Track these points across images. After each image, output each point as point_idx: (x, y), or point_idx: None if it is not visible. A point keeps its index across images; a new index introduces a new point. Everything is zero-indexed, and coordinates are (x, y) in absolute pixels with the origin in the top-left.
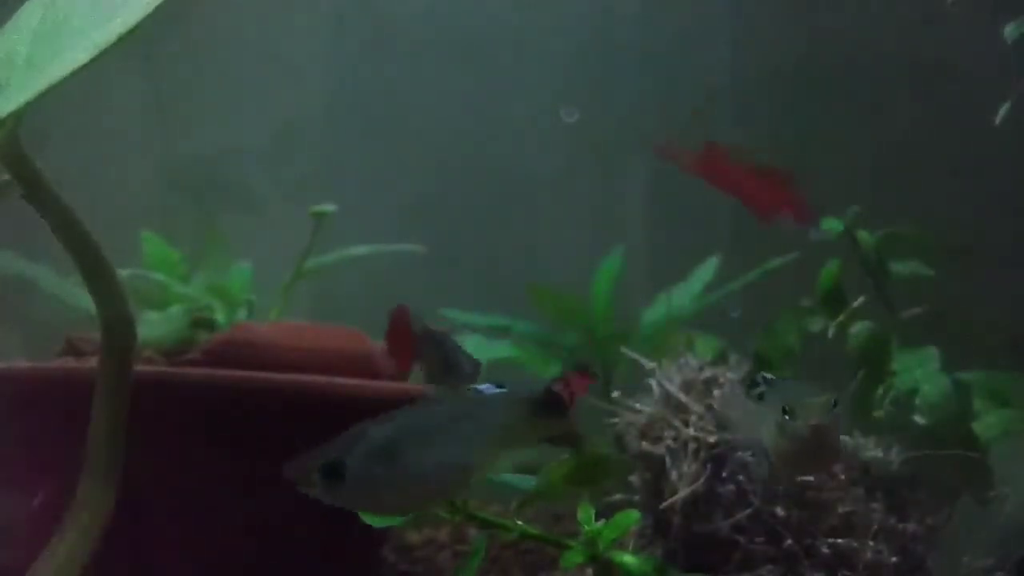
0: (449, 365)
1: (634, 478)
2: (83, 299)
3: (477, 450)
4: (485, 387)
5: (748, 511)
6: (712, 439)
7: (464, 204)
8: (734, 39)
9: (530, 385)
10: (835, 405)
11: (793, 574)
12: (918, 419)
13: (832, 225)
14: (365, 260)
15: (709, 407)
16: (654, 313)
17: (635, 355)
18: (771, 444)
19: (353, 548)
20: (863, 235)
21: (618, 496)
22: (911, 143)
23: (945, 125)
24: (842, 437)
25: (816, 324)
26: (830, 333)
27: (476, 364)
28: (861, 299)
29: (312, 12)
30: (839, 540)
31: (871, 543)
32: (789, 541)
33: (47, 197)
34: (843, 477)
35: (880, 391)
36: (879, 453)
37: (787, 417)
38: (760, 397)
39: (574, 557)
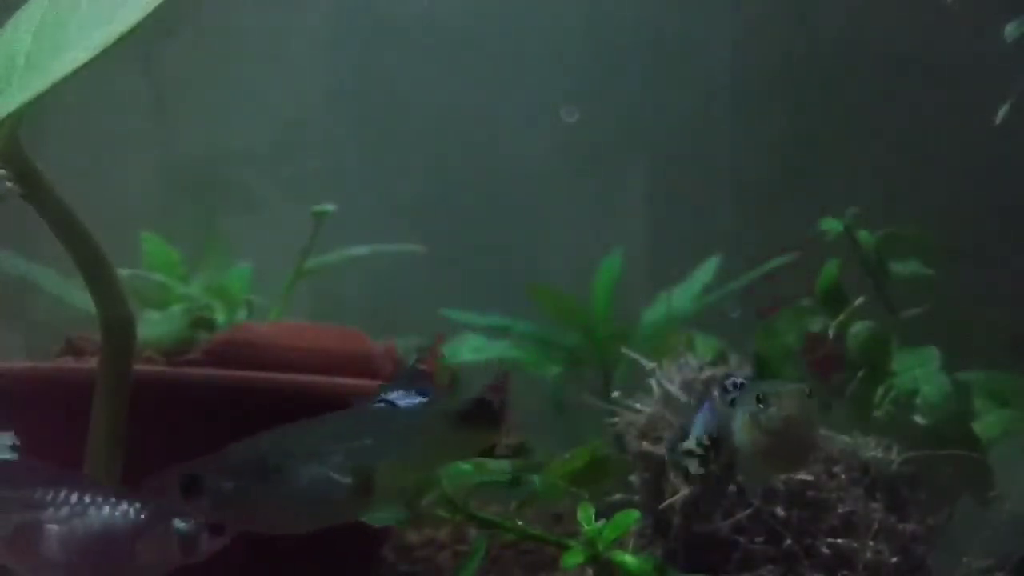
0: None
1: (634, 478)
2: (83, 299)
3: (384, 465)
4: (399, 396)
5: (748, 511)
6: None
7: (464, 204)
8: (734, 39)
9: (461, 396)
10: (810, 395)
11: (793, 574)
12: (918, 419)
13: (832, 225)
14: (365, 260)
15: None
16: (654, 313)
17: (635, 355)
18: (745, 439)
19: (353, 548)
20: (863, 235)
21: (618, 496)
22: (911, 143)
23: (945, 125)
24: (843, 437)
25: (816, 324)
26: (830, 333)
27: None
28: (861, 299)
29: (312, 12)
30: (839, 540)
31: (871, 543)
32: (789, 541)
33: (47, 197)
34: (843, 477)
35: (880, 391)
36: (879, 453)
37: (760, 407)
38: (732, 403)
39: (574, 557)
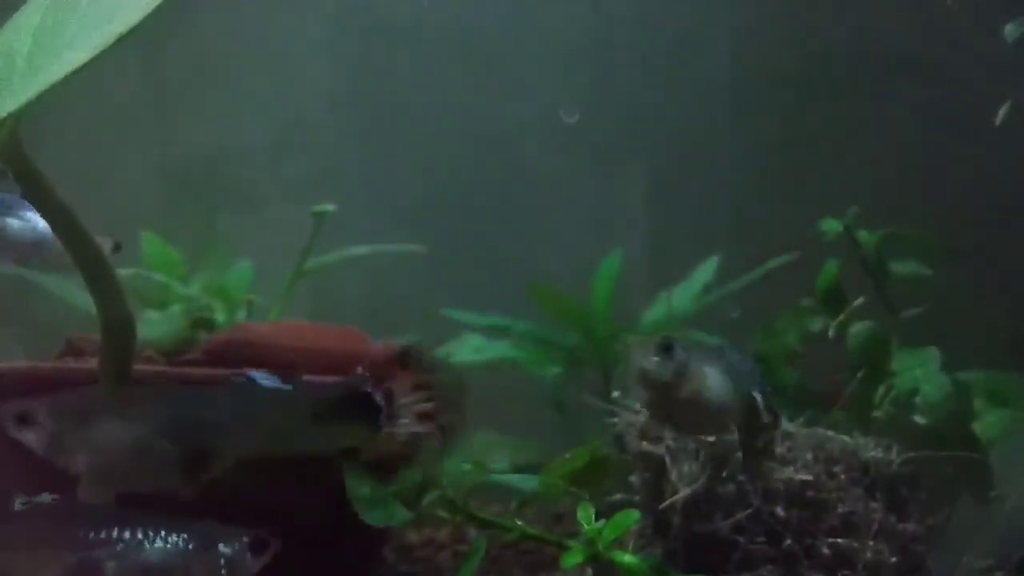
0: None
1: (634, 478)
2: (83, 299)
3: (221, 440)
4: (262, 376)
5: (748, 511)
6: (712, 439)
7: (464, 204)
8: (734, 39)
9: (343, 383)
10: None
11: (793, 574)
12: (918, 419)
13: (832, 225)
14: (365, 260)
15: None
16: (654, 313)
17: None
18: (640, 397)
19: (353, 548)
20: (863, 235)
21: (618, 496)
22: (911, 143)
23: (945, 125)
24: (844, 438)
25: (816, 324)
26: (830, 333)
27: None
28: (861, 299)
29: (312, 12)
30: (839, 540)
31: (871, 543)
32: (789, 541)
33: (47, 197)
34: (843, 477)
35: (880, 391)
36: (879, 453)
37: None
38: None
39: (574, 557)
